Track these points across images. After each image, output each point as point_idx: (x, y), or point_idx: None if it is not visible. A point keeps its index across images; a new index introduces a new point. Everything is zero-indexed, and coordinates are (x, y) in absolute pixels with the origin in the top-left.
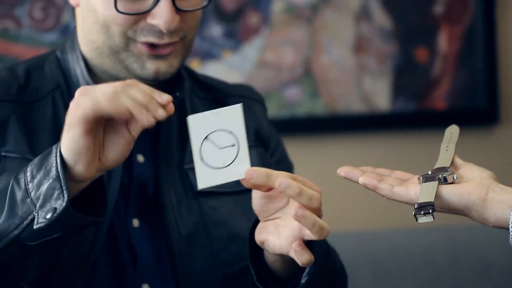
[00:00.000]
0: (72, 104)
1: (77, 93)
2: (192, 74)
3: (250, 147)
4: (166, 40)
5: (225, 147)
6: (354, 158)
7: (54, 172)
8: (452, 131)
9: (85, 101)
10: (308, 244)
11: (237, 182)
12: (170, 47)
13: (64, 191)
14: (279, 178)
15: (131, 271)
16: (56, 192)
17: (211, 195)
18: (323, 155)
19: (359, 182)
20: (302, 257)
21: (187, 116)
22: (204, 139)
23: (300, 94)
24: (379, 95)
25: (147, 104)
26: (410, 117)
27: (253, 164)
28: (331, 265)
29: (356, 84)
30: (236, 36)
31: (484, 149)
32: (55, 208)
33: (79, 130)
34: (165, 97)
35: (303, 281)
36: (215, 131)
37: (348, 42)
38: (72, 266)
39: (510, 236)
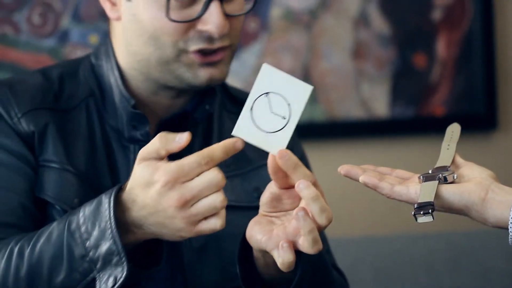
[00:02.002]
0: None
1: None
2: (224, 86)
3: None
4: (217, 45)
5: (277, 114)
6: (353, 164)
7: (109, 235)
8: (454, 130)
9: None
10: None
11: (254, 197)
12: (220, 53)
13: (123, 259)
14: (302, 178)
15: (143, 285)
16: (115, 259)
17: (226, 208)
18: (322, 161)
19: (360, 181)
20: (285, 256)
21: (213, 132)
22: (264, 93)
23: None
24: (378, 101)
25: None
26: (408, 123)
27: (266, 178)
28: (325, 282)
29: (355, 89)
30: None
31: (483, 155)
32: (116, 277)
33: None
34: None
35: None
36: (278, 93)
37: (347, 47)
38: None
39: (510, 236)
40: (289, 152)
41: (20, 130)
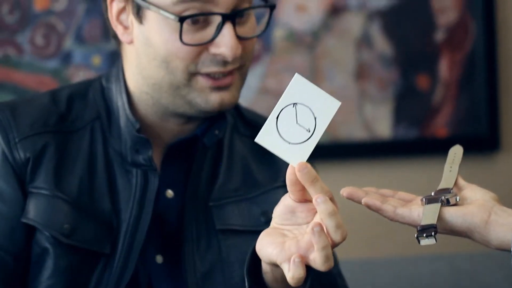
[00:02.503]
0: None
1: None
2: (237, 109)
3: (281, 186)
4: (229, 67)
5: (302, 126)
6: (355, 186)
7: None
8: (456, 152)
9: None
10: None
11: (262, 221)
12: (230, 77)
13: None
14: (320, 192)
15: None
16: None
17: (232, 232)
18: (324, 182)
19: (362, 203)
20: (296, 271)
21: (222, 156)
22: (292, 104)
23: None
24: (381, 122)
25: None
26: (411, 144)
27: (275, 202)
28: None
29: (358, 111)
30: None
31: (486, 177)
32: None
33: None
34: None
35: None
36: (306, 105)
37: (349, 68)
38: None
39: None
40: (308, 165)
41: (15, 157)
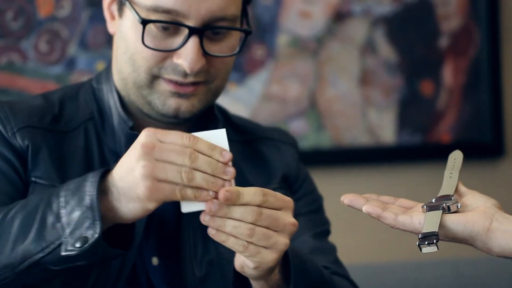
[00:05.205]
0: (150, 186)
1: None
2: (225, 115)
3: (276, 188)
4: (189, 79)
5: None
6: (359, 191)
7: (88, 201)
8: (456, 157)
9: (165, 190)
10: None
11: None
12: (193, 86)
13: (97, 222)
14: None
15: None
16: (88, 222)
17: None
18: (328, 188)
19: (363, 211)
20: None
21: None
22: None
23: (305, 127)
24: (385, 128)
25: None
26: (415, 150)
27: None
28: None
29: (362, 117)
30: (241, 69)
31: (489, 183)
32: (86, 238)
33: (149, 208)
34: (227, 156)
35: None
36: None
37: (353, 75)
38: None
39: None
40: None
41: (15, 144)
